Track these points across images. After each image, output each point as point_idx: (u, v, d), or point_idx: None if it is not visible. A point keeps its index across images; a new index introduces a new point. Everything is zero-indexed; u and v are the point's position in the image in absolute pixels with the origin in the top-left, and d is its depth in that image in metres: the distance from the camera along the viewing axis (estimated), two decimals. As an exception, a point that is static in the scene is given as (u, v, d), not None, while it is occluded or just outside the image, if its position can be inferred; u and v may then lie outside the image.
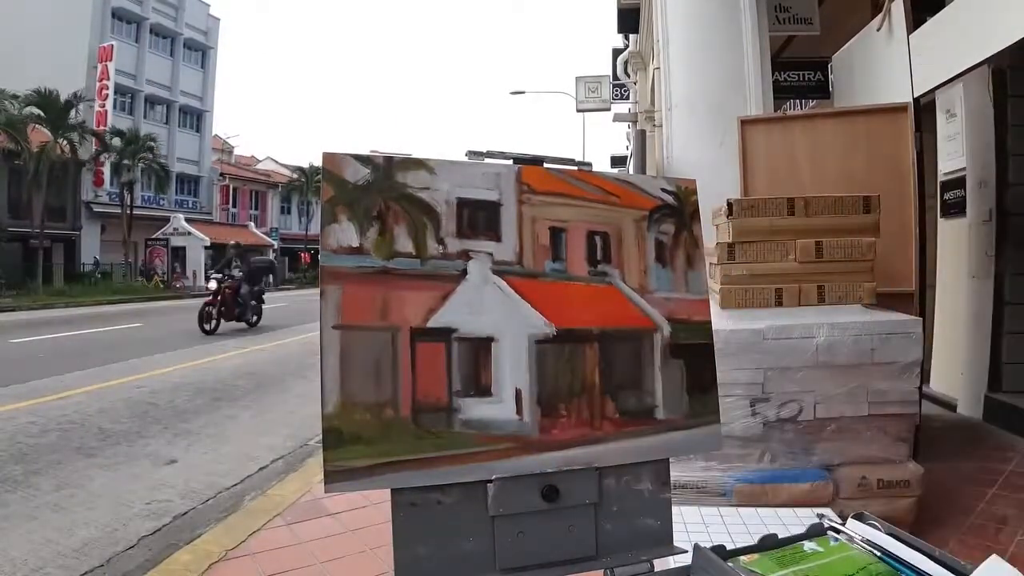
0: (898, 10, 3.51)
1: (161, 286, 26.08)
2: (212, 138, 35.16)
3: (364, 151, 0.74)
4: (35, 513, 3.17)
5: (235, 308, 11.47)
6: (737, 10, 3.98)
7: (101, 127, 25.91)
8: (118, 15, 28.67)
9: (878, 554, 0.78)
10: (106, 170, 26.67)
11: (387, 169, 0.73)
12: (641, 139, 8.94)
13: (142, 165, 26.36)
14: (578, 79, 13.46)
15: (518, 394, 0.74)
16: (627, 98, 12.71)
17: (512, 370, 0.74)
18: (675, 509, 0.77)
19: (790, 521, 1.16)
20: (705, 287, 0.85)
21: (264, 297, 12.85)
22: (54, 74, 22.96)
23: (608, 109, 13.78)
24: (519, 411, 0.74)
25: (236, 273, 11.70)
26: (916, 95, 3.34)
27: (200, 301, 12.36)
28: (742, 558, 0.80)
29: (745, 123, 3.52)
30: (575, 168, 0.81)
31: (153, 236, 28.03)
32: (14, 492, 3.44)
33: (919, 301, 3.11)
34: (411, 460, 0.69)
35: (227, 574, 2.38)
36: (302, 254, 37.31)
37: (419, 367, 0.71)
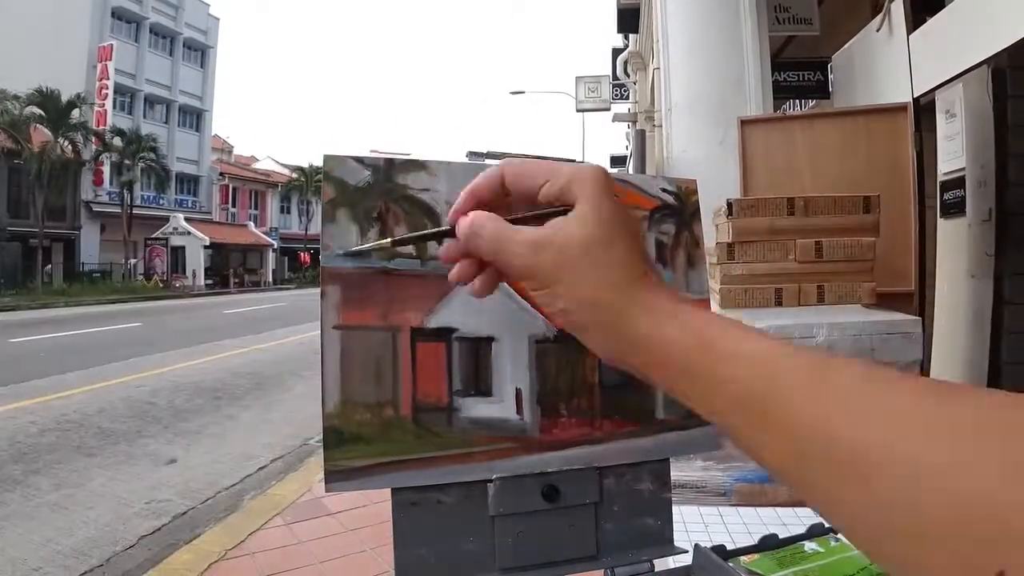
0: (898, 10, 3.51)
1: (160, 285, 26.08)
2: (212, 137, 35.15)
3: (364, 151, 0.74)
4: (35, 513, 3.17)
5: None
6: (737, 10, 3.98)
7: (101, 127, 25.91)
8: (118, 15, 28.65)
9: (878, 554, 0.78)
10: (106, 170, 26.66)
11: (387, 171, 0.73)
12: (641, 139, 8.94)
13: (142, 165, 26.35)
14: (578, 79, 13.44)
15: (518, 394, 0.74)
16: (627, 98, 12.71)
17: (512, 370, 0.74)
18: (675, 509, 0.77)
19: (790, 521, 1.16)
20: (706, 287, 0.85)
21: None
22: (54, 74, 22.95)
23: (608, 109, 13.76)
24: (519, 411, 0.74)
25: None
26: (916, 95, 3.34)
27: (200, 300, 12.35)
28: (743, 558, 0.80)
29: (745, 123, 3.53)
30: (575, 168, 0.81)
31: (153, 236, 28.04)
32: (13, 491, 3.44)
33: (919, 301, 3.12)
34: (411, 460, 0.69)
35: (227, 573, 2.38)
36: (302, 254, 37.29)
37: (419, 367, 0.71)
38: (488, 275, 0.42)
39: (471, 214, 0.40)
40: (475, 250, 0.40)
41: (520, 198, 0.40)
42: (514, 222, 0.39)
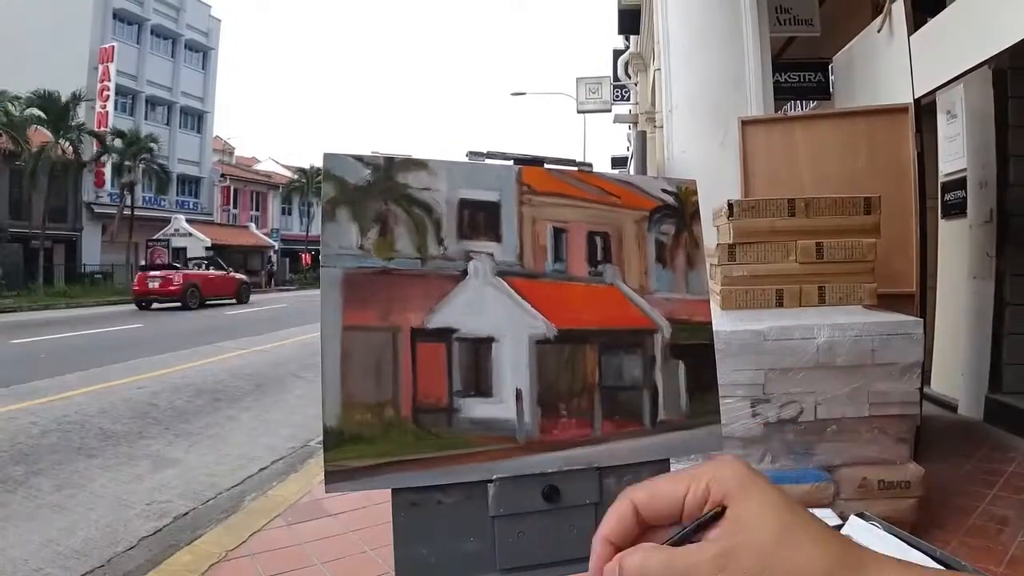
0: (899, 11, 3.51)
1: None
2: (213, 139, 35.17)
3: (364, 151, 0.74)
4: (36, 513, 3.17)
5: None
6: (737, 11, 3.98)
7: (102, 128, 25.93)
8: (119, 16, 28.71)
9: (879, 555, 0.78)
10: (107, 171, 26.69)
11: (388, 170, 0.73)
12: (642, 140, 8.94)
13: (143, 166, 26.37)
14: (579, 80, 13.45)
15: (519, 394, 0.74)
16: (628, 99, 12.72)
17: (513, 370, 0.74)
18: (675, 509, 0.77)
19: (791, 522, 1.15)
20: (706, 288, 0.85)
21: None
22: (55, 75, 22.98)
23: (609, 110, 13.78)
24: (520, 411, 0.74)
25: None
26: (917, 96, 3.34)
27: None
28: (743, 559, 0.80)
29: (746, 124, 3.52)
30: (576, 169, 0.81)
31: (154, 237, 28.06)
32: (15, 492, 3.44)
33: (920, 302, 3.11)
34: (412, 460, 0.69)
35: (227, 574, 2.37)
36: (303, 255, 37.30)
37: (420, 367, 0.71)
38: None
39: (626, 563, 0.35)
40: None
41: (660, 521, 0.36)
42: (672, 544, 0.34)
